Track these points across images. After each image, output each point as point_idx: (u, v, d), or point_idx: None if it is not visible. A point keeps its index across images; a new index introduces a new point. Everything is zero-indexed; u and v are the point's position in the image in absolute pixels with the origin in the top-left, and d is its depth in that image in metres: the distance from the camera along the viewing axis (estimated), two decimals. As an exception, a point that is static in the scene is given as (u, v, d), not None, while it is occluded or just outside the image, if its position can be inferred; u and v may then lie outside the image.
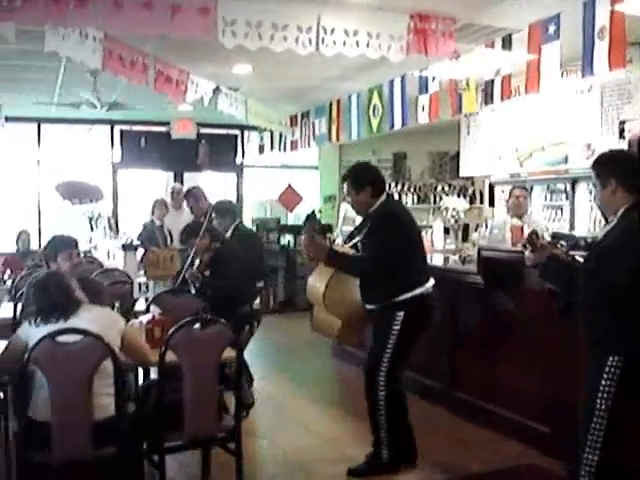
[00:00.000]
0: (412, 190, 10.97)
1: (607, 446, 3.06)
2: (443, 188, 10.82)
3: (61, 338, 3.37)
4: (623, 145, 6.23)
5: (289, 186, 11.10)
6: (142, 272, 7.60)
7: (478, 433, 5.01)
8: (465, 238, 7.71)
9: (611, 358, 3.03)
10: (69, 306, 3.50)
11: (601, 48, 4.54)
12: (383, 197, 4.30)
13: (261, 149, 10.47)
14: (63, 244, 4.67)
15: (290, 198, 11.02)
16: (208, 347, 3.70)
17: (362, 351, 6.86)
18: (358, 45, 5.28)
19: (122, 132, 10.68)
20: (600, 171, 3.20)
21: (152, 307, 4.40)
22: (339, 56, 5.33)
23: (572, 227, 7.08)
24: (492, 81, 5.67)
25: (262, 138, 10.39)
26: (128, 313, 4.48)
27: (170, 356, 3.65)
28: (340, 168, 11.60)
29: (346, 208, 8.20)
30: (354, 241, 4.34)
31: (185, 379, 3.63)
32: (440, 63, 5.95)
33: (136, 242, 7.52)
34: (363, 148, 11.09)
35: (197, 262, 5.39)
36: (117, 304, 4.28)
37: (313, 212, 4.33)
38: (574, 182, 7.17)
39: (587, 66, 4.67)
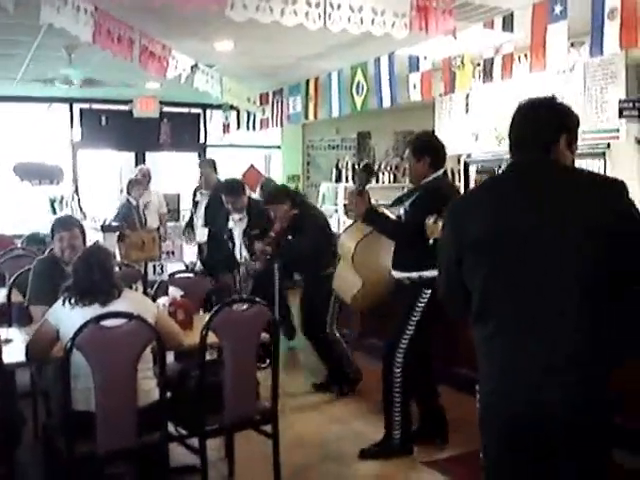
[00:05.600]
0: (378, 169, 10.90)
1: None
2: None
3: (103, 322, 3.25)
4: (610, 124, 6.42)
5: (252, 166, 10.97)
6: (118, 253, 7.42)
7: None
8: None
9: None
10: (110, 291, 3.37)
11: (612, 27, 4.61)
12: (439, 172, 4.27)
13: (226, 128, 10.27)
14: (57, 225, 4.48)
15: (253, 177, 10.89)
16: (249, 328, 3.63)
17: (347, 329, 6.96)
18: (362, 22, 5.22)
19: (82, 111, 10.34)
20: None
21: (171, 289, 4.28)
22: (326, 33, 5.25)
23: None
24: (492, 59, 5.70)
25: (227, 117, 10.20)
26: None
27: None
28: (304, 147, 11.53)
29: (327, 186, 8.20)
30: (399, 208, 4.36)
31: (226, 361, 3.56)
32: (431, 41, 5.95)
33: (114, 223, 7.31)
34: (327, 127, 11.06)
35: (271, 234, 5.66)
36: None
37: (369, 165, 4.40)
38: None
39: (596, 45, 4.73)
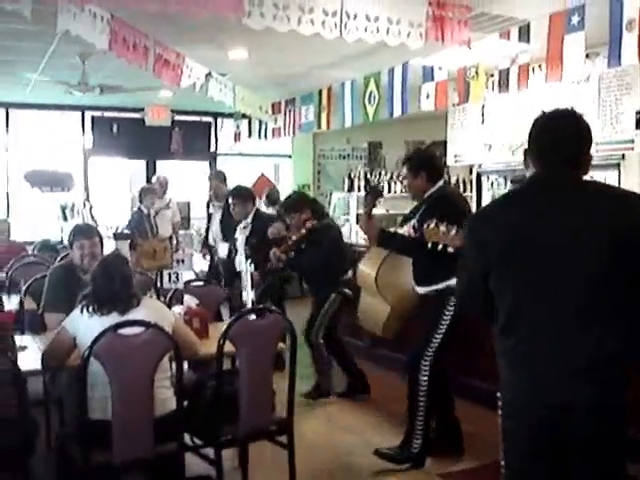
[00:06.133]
0: (390, 178, 10.87)
1: None
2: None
3: (121, 330, 3.23)
4: (625, 135, 6.40)
5: (262, 175, 10.98)
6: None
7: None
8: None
9: None
10: (129, 300, 3.35)
11: (630, 38, 4.58)
12: (440, 183, 4.34)
13: (237, 137, 10.25)
14: (77, 233, 4.46)
15: (264, 186, 10.89)
16: (266, 337, 3.61)
17: (360, 341, 6.93)
18: (378, 31, 5.21)
19: (94, 118, 10.35)
20: None
21: (186, 297, 4.26)
22: (341, 42, 5.24)
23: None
24: (508, 70, 5.67)
25: (238, 126, 10.18)
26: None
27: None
28: (314, 157, 11.53)
29: (339, 196, 8.18)
30: (409, 225, 4.31)
31: (242, 371, 3.54)
32: (445, 51, 5.94)
33: (126, 231, 7.30)
34: (338, 137, 11.05)
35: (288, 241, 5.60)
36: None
37: (376, 186, 4.38)
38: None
39: (614, 56, 4.70)
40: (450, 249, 2.96)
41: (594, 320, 2.17)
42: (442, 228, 3.03)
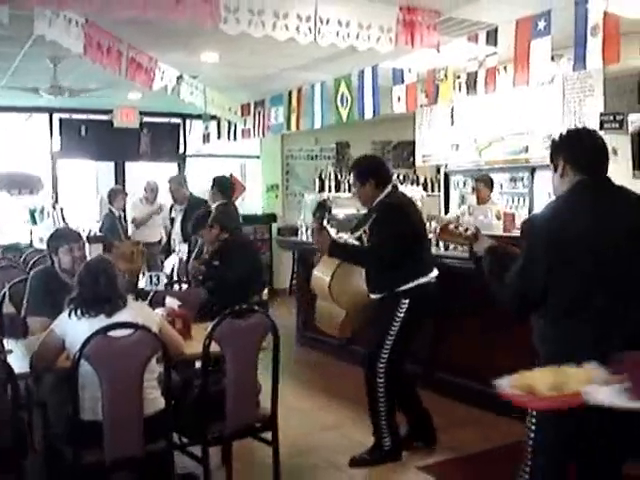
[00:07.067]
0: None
1: None
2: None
3: (110, 332, 3.29)
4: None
5: (231, 176, 11.01)
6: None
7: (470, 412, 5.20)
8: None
9: None
10: (116, 301, 3.42)
11: (594, 43, 4.74)
12: (388, 188, 4.39)
13: (206, 138, 10.28)
14: (64, 238, 4.49)
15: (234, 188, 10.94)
16: (250, 337, 3.70)
17: (333, 338, 7.02)
18: (349, 36, 5.33)
19: (61, 120, 10.29)
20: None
21: (169, 299, 4.32)
22: (312, 46, 5.33)
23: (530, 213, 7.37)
24: (476, 73, 5.81)
25: (207, 127, 10.21)
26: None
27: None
28: (283, 157, 11.60)
29: (311, 197, 8.26)
30: (359, 232, 4.41)
31: (228, 370, 3.62)
32: (414, 54, 6.08)
33: (99, 234, 7.33)
34: (306, 137, 11.12)
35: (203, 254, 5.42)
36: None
37: (325, 201, 4.42)
38: (533, 170, 7.47)
39: (579, 60, 4.86)
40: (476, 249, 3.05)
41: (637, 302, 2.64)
42: (460, 229, 3.13)
